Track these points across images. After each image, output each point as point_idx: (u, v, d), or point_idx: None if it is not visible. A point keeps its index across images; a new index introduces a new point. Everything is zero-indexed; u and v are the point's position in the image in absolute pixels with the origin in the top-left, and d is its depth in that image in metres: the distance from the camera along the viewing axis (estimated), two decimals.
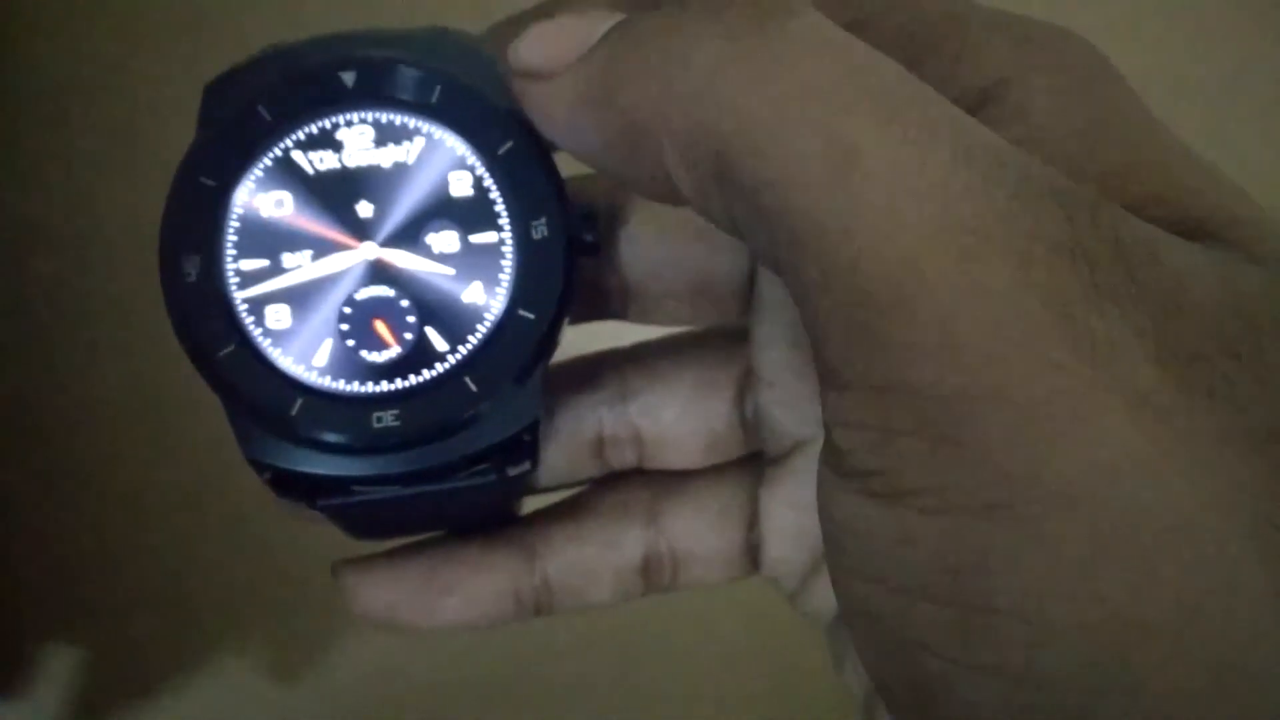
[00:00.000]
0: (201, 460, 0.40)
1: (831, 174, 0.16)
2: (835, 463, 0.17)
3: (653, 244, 0.24)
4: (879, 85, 0.16)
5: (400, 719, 0.41)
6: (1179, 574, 0.15)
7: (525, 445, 0.22)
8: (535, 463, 0.22)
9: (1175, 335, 0.15)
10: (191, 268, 0.20)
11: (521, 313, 0.21)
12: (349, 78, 0.21)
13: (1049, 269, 0.15)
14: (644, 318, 0.25)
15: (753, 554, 0.25)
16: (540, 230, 0.21)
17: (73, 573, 0.40)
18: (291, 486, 0.21)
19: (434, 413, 0.20)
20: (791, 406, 0.24)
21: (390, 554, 0.24)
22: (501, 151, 0.21)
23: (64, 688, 0.40)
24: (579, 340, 0.24)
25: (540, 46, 0.19)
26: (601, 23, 0.19)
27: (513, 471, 0.22)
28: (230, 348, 0.20)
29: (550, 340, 0.21)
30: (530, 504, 0.26)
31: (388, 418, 0.20)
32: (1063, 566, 0.15)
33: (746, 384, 0.25)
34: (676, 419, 0.25)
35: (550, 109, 0.19)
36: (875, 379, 0.16)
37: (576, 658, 0.40)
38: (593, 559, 0.25)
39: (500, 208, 0.21)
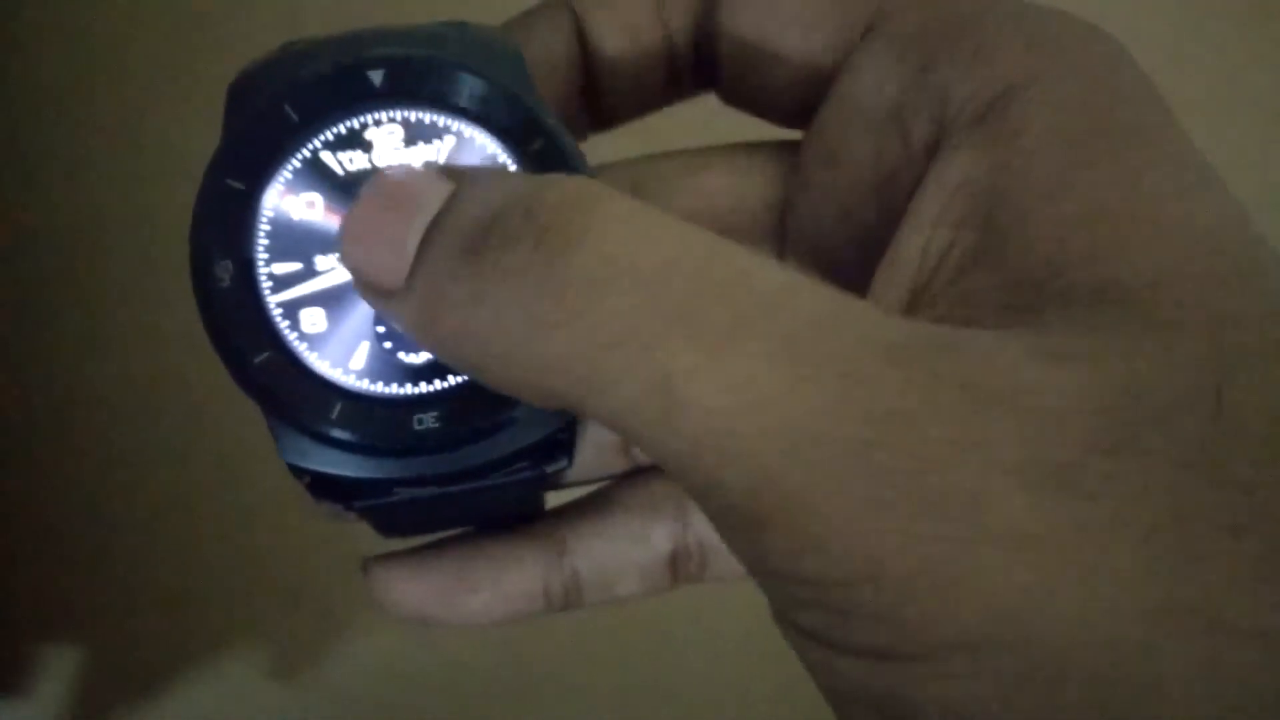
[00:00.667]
0: (202, 460, 0.40)
1: (658, 412, 0.16)
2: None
3: None
4: (680, 297, 0.16)
5: (401, 718, 0.41)
6: (1095, 693, 0.14)
7: (563, 443, 0.22)
8: (572, 459, 0.22)
9: (1040, 453, 0.15)
10: (224, 273, 0.20)
11: None
12: (377, 77, 0.21)
13: (893, 443, 0.15)
14: None
15: None
16: None
17: (73, 573, 0.40)
18: (331, 490, 0.21)
19: (474, 413, 0.20)
20: None
21: (420, 551, 0.24)
22: (533, 149, 0.21)
23: (64, 688, 0.40)
24: None
25: (362, 253, 0.18)
26: (407, 222, 0.18)
27: (551, 469, 0.22)
28: (266, 354, 0.20)
29: None
30: (554, 499, 0.26)
31: (429, 419, 0.20)
32: (982, 710, 0.15)
33: None
34: None
35: (394, 322, 0.18)
36: (768, 570, 0.16)
37: (581, 657, 0.40)
38: (622, 553, 0.25)
39: None
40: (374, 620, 0.40)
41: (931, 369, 0.15)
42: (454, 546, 0.24)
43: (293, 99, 0.20)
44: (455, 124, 0.21)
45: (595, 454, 0.25)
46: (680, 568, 0.25)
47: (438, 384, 0.21)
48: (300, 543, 0.39)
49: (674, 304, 0.16)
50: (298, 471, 0.21)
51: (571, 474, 0.25)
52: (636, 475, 0.25)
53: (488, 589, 0.24)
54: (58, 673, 0.40)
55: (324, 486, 0.21)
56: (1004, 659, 0.15)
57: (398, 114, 0.21)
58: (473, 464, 0.21)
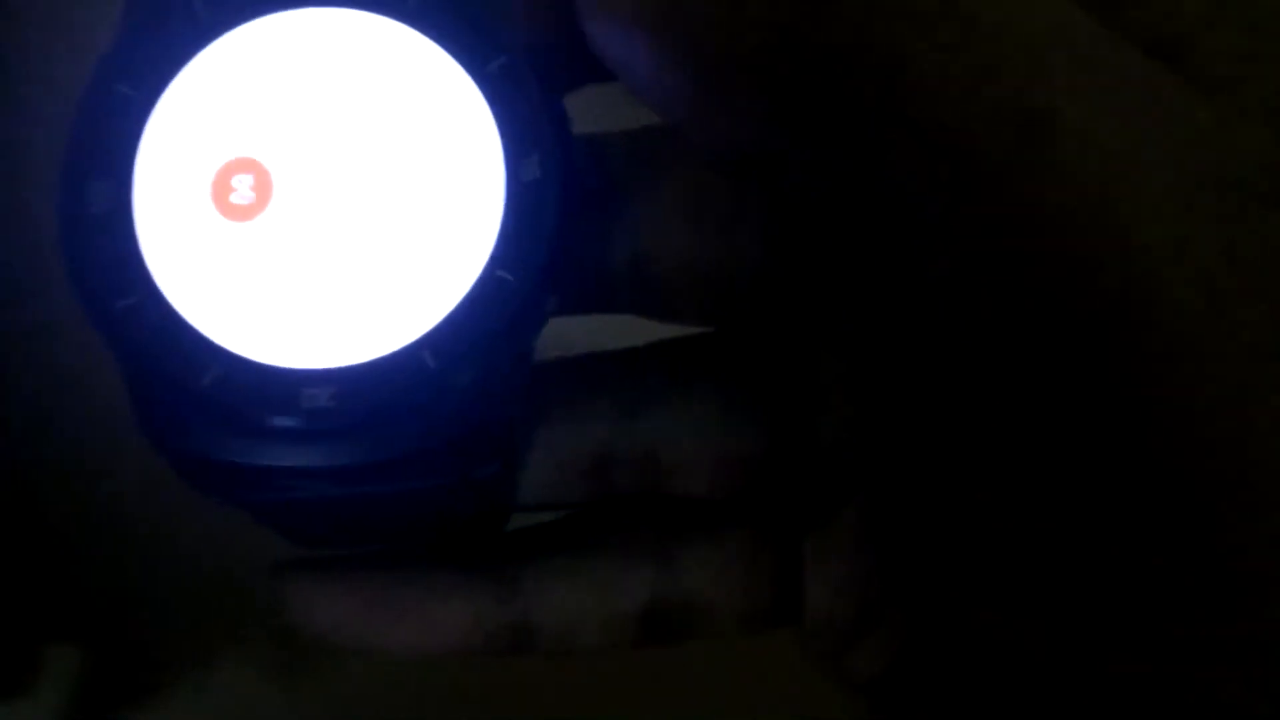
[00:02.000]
0: None
1: (1023, 134, 0.15)
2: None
3: (673, 225, 0.19)
4: (1078, 40, 0.15)
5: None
6: None
7: (495, 441, 0.17)
8: (508, 465, 0.18)
9: None
10: (99, 196, 0.16)
11: (500, 273, 0.16)
12: None
13: (1262, 262, 0.15)
14: (648, 311, 0.20)
15: (783, 607, 0.21)
16: (532, 170, 0.16)
17: (74, 573, 0.39)
18: (201, 475, 0.17)
19: (380, 393, 0.16)
20: (853, 434, 0.20)
21: (344, 561, 0.20)
22: (491, 68, 0.17)
23: (66, 687, 0.39)
24: (583, 339, 0.21)
25: None
26: None
27: (478, 474, 0.17)
28: (133, 299, 0.16)
29: (533, 311, 0.16)
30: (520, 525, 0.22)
31: (321, 397, 0.16)
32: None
33: (792, 405, 0.20)
34: (700, 442, 0.20)
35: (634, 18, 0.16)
36: (1062, 351, 0.15)
37: (584, 664, 0.37)
38: (586, 600, 0.20)
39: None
40: None
41: None
42: (385, 562, 0.20)
43: None
44: (397, 31, 0.17)
45: (554, 474, 0.20)
46: (658, 625, 0.21)
47: (335, 358, 0.16)
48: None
49: (1075, 43, 0.15)
50: (160, 448, 0.17)
51: (528, 496, 0.21)
52: (611, 507, 0.21)
53: (413, 617, 0.20)
54: (60, 672, 0.39)
55: (192, 469, 0.17)
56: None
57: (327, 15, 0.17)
58: (373, 458, 0.16)
